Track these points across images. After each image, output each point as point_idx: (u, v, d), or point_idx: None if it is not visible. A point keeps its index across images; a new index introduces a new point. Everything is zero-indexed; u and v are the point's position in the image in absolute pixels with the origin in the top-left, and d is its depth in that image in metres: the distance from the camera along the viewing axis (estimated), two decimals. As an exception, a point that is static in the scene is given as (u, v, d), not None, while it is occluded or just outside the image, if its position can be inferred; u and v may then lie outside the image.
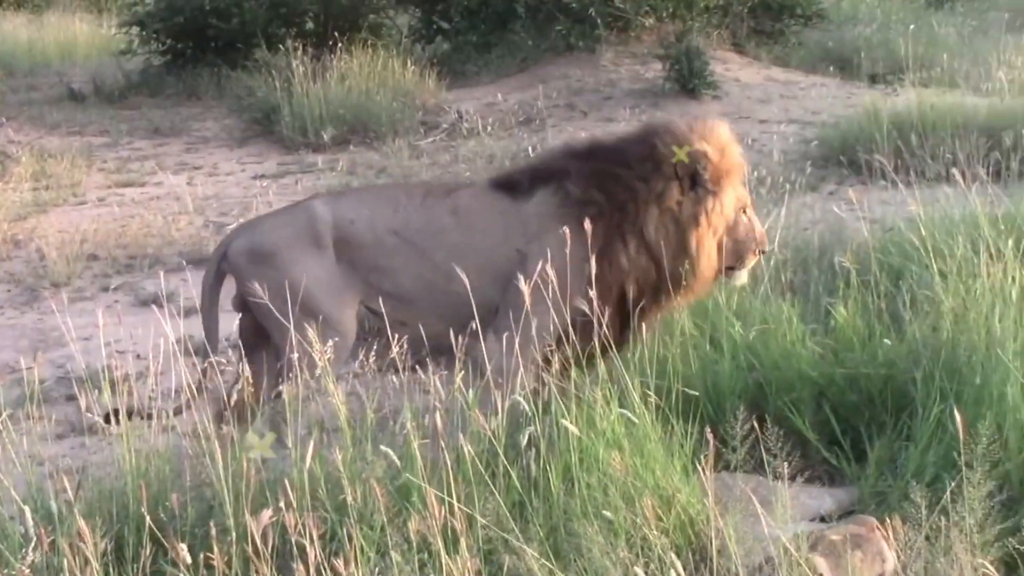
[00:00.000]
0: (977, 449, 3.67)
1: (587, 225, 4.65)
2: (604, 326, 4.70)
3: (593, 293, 4.62)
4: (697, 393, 4.56)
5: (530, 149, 11.97)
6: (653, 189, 5.10)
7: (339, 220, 5.21)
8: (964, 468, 3.60)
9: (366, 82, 14.83)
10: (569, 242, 4.66)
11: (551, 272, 4.50)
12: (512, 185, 5.36)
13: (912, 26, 15.91)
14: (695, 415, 4.59)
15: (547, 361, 4.82)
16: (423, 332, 4.72)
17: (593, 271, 4.62)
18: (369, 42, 16.85)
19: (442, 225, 5.20)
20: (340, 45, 15.77)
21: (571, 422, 4.06)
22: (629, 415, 4.23)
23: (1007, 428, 4.39)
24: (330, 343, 4.37)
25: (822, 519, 4.47)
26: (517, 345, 4.49)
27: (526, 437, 4.13)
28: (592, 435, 4.17)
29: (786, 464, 3.62)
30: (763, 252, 5.40)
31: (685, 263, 5.09)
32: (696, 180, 5.09)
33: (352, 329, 5.07)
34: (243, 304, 5.26)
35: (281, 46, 15.50)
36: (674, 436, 4.27)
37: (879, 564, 3.76)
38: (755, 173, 7.55)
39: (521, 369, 4.52)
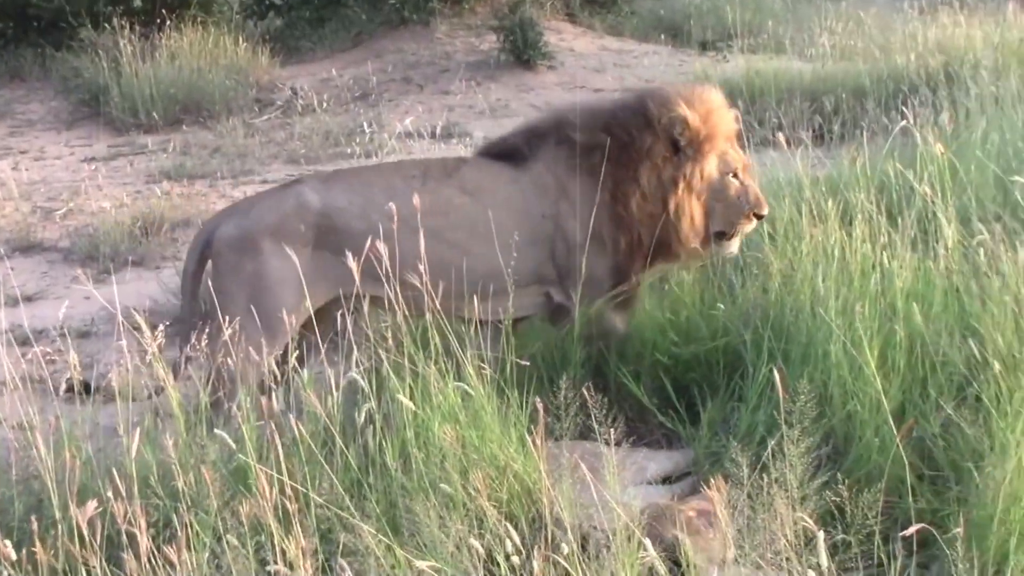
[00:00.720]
0: (796, 407, 3.77)
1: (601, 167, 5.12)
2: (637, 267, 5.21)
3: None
4: (528, 364, 4.58)
5: (365, 125, 11.92)
6: (644, 143, 5.20)
7: (329, 208, 5.06)
8: (784, 426, 3.69)
9: (197, 60, 14.59)
10: (589, 190, 5.05)
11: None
12: (510, 152, 5.40)
13: (739, -7, 16.25)
14: (536, 386, 4.62)
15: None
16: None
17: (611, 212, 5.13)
18: (199, 19, 16.51)
19: (454, 205, 5.15)
20: (169, 23, 15.48)
21: (406, 397, 4.05)
22: (466, 387, 4.23)
23: (831, 384, 4.51)
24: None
25: (660, 481, 4.57)
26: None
27: (363, 414, 4.11)
28: (428, 409, 4.16)
29: (613, 430, 3.65)
30: (760, 217, 5.36)
31: (667, 225, 5.19)
32: (676, 145, 5.20)
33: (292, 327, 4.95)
34: None
35: (107, 25, 15.10)
36: (511, 407, 4.28)
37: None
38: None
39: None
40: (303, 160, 11.81)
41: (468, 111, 13.55)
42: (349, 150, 11.57)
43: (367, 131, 11.82)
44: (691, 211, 5.23)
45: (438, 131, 11.31)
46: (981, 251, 4.77)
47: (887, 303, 4.76)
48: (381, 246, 4.47)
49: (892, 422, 4.00)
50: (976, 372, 4.27)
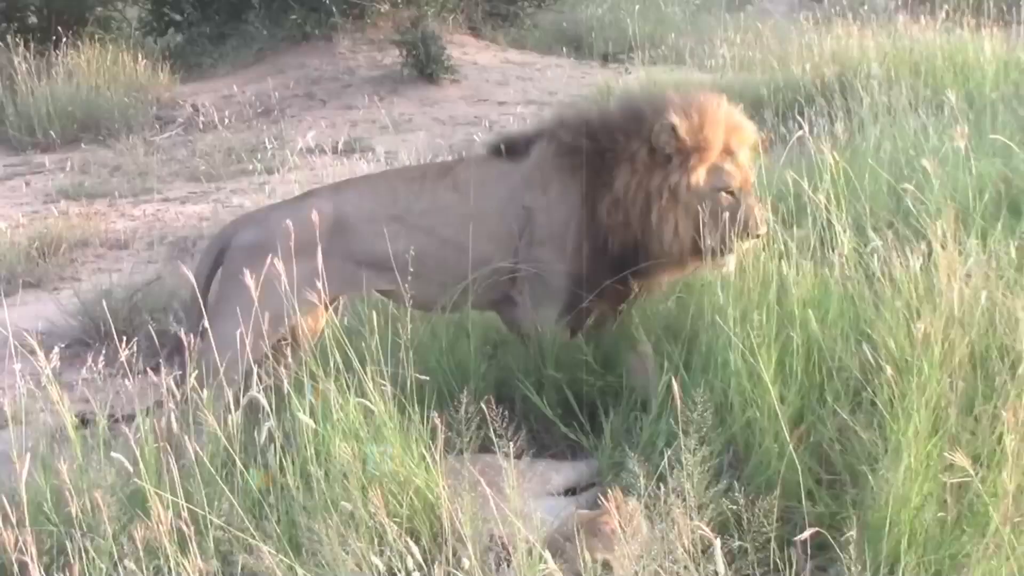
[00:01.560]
0: (694, 416, 3.80)
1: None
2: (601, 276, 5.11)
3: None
4: (428, 378, 4.57)
5: (268, 141, 11.84)
6: (629, 147, 5.11)
7: (340, 214, 5.21)
8: (681, 435, 3.72)
9: (95, 78, 14.45)
10: (567, 191, 5.12)
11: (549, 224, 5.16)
12: (510, 148, 5.44)
13: (638, 6, 16.42)
14: (440, 400, 4.61)
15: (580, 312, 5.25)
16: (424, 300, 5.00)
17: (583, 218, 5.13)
18: (97, 36, 16.34)
19: (446, 203, 5.28)
20: (66, 40, 15.26)
21: (307, 414, 4.03)
22: (367, 404, 4.21)
23: (731, 393, 4.55)
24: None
25: (564, 492, 4.58)
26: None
27: (264, 433, 4.07)
28: (329, 427, 4.14)
29: (512, 442, 3.66)
30: (757, 236, 5.14)
31: (648, 233, 5.09)
32: (667, 153, 5.09)
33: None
34: None
35: (1, 42, 14.84)
36: (412, 423, 4.26)
37: None
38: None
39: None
40: (204, 178, 11.71)
41: (371, 126, 13.51)
42: (251, 167, 11.50)
43: (269, 147, 11.75)
44: (675, 221, 5.07)
45: (340, 146, 11.28)
46: (875, 258, 4.84)
47: (784, 311, 4.80)
48: (387, 244, 4.92)
49: (787, 428, 4.04)
50: (870, 376, 4.33)
